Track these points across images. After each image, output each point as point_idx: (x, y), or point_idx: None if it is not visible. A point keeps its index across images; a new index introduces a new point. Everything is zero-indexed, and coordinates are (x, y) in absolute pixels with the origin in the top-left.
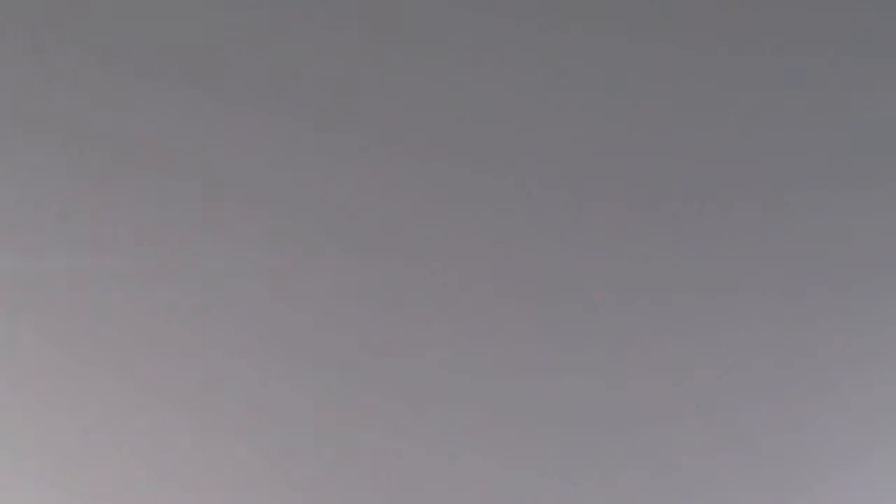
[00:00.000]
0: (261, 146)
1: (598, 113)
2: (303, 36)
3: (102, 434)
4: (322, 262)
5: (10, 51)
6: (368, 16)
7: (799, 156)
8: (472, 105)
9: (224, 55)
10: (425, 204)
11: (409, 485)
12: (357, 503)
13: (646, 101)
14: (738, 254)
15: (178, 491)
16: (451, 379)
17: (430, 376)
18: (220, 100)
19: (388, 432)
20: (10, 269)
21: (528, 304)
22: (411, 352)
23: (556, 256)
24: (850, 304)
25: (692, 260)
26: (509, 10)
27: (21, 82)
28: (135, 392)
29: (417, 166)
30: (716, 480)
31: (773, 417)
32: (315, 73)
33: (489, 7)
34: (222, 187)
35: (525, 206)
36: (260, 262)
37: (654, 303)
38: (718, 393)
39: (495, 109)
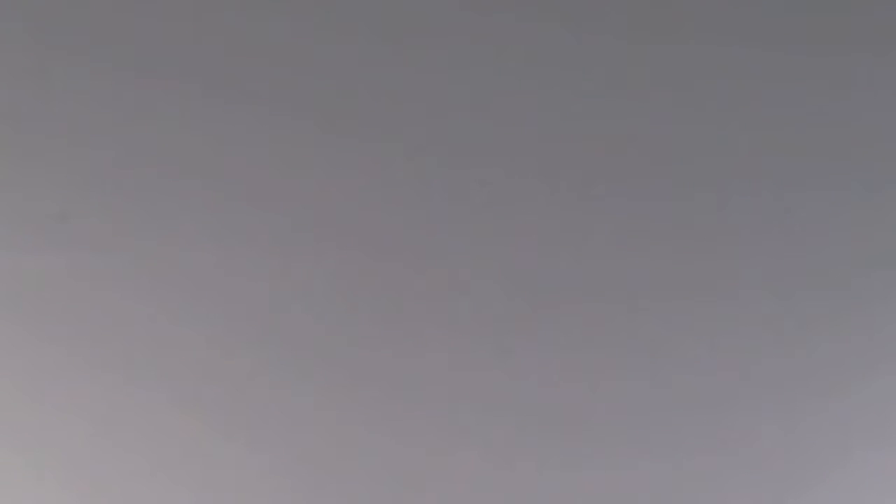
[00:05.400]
0: (261, 146)
1: (598, 113)
2: (303, 36)
3: (102, 434)
4: (322, 262)
5: (10, 51)
6: (368, 16)
7: (799, 156)
8: (472, 105)
9: (224, 55)
10: (425, 204)
11: (410, 485)
12: (357, 503)
13: (646, 101)
14: (738, 254)
15: (178, 491)
16: (451, 379)
17: (430, 376)
18: (221, 100)
19: (388, 432)
20: (10, 268)
21: (528, 304)
22: (411, 352)
23: (556, 256)
24: (851, 304)
25: (692, 260)
26: (510, 11)
27: (21, 82)
28: (135, 391)
29: (418, 166)
30: (716, 480)
31: (773, 417)
32: (315, 74)
33: (489, 7)
34: (222, 187)
35: (525, 205)
36: (260, 262)
37: (654, 303)
38: (718, 393)
39: (496, 109)
